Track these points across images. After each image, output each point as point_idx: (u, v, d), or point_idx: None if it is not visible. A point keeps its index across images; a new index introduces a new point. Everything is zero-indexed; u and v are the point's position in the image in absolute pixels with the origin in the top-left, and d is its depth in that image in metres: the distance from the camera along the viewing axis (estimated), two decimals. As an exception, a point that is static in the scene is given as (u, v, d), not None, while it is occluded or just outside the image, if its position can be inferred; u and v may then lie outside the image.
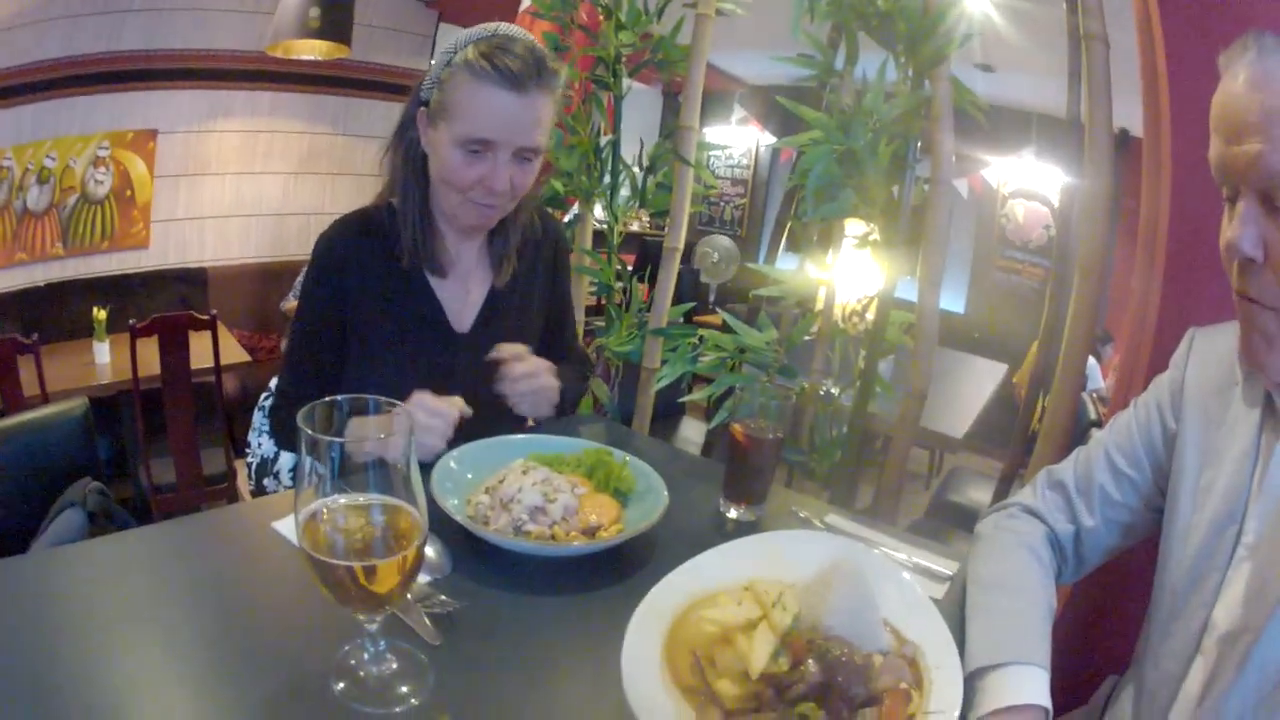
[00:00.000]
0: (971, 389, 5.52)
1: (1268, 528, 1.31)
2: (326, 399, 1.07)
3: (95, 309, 5.24)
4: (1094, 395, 5.15)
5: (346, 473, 1.03)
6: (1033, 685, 1.29)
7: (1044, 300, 3.01)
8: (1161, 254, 2.06)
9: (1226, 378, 1.44)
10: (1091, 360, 5.38)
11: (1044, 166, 8.21)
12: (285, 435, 2.11)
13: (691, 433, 5.31)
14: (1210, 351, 1.51)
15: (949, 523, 4.34)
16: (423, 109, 1.93)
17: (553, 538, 1.50)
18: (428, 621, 1.26)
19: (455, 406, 1.83)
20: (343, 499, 1.05)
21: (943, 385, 5.51)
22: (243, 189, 6.65)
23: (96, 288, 5.76)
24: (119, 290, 5.86)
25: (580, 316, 3.23)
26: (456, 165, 1.88)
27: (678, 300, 3.33)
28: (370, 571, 1.04)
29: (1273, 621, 1.21)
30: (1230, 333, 1.35)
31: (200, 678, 1.11)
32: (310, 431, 1.01)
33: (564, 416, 1.97)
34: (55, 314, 5.56)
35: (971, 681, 1.31)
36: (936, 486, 5.71)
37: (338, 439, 1.02)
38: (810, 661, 1.15)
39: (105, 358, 5.18)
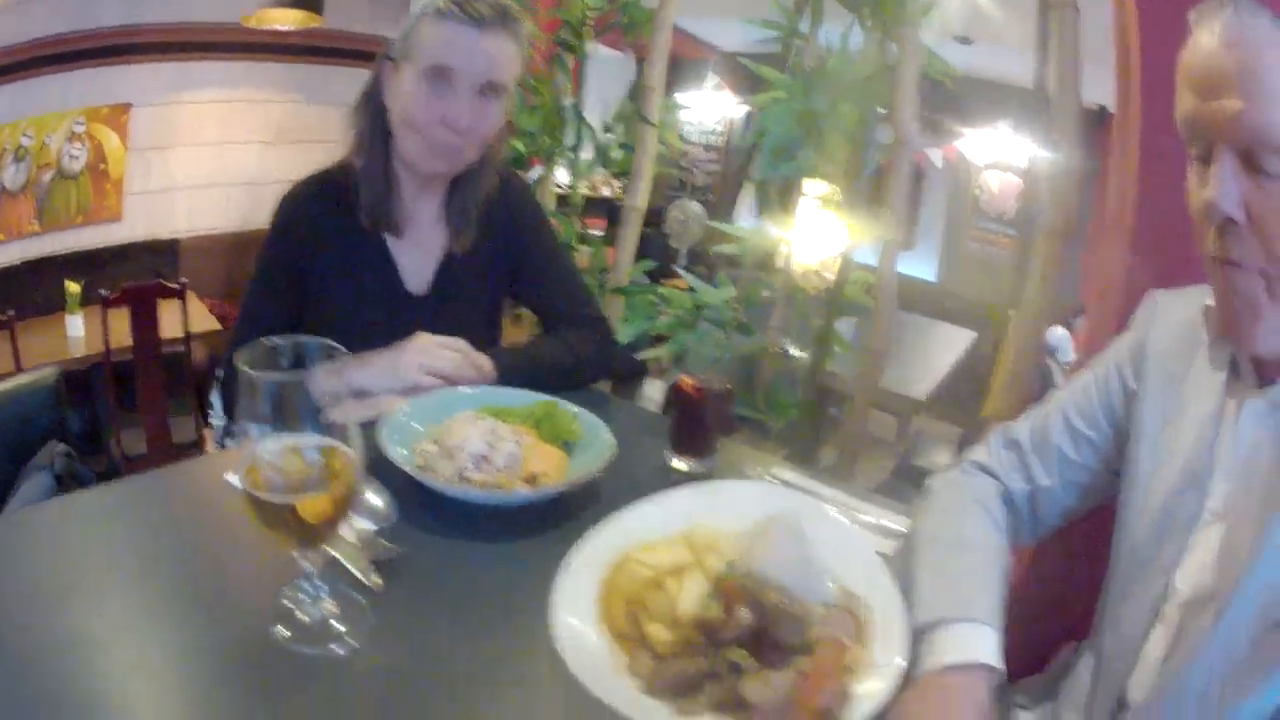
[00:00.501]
0: (938, 354, 5.54)
1: (1235, 492, 1.29)
2: (265, 339, 1.08)
3: (68, 283, 5.26)
4: (1066, 367, 5.14)
5: (283, 414, 1.04)
6: (982, 643, 1.27)
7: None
8: (1129, 222, 2.05)
9: (1190, 340, 1.41)
10: (1064, 332, 5.40)
11: (1020, 139, 8.23)
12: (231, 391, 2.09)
13: (655, 392, 5.21)
14: (1173, 314, 1.48)
15: (913, 486, 4.36)
16: (389, 62, 1.93)
17: (496, 486, 1.50)
18: (370, 567, 1.28)
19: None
20: (280, 440, 1.06)
21: (910, 350, 5.54)
22: (216, 160, 6.62)
23: (71, 262, 5.75)
24: (93, 264, 5.84)
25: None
26: (419, 100, 1.87)
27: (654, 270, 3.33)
28: (305, 506, 1.06)
29: (1241, 589, 1.18)
30: (1194, 296, 1.33)
31: (148, 625, 1.13)
32: (249, 371, 1.02)
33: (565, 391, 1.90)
34: (30, 290, 5.55)
35: (918, 638, 1.29)
36: (903, 451, 5.75)
37: (272, 375, 1.04)
38: (743, 608, 1.15)
39: (79, 331, 5.19)
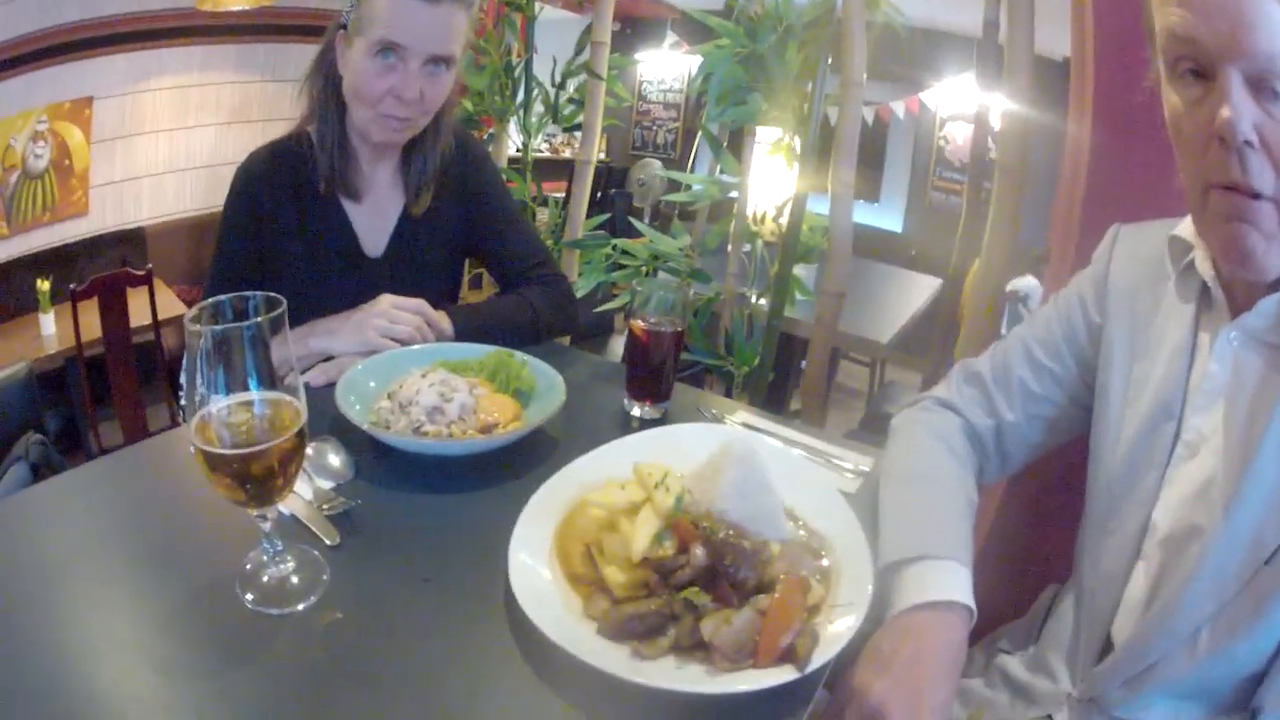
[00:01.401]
0: (903, 301, 5.56)
1: (1209, 426, 1.29)
2: (210, 300, 1.08)
3: (39, 281, 5.21)
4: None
5: (229, 367, 1.05)
6: (953, 581, 1.27)
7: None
8: (1084, 165, 2.06)
9: (1157, 272, 1.41)
10: (1034, 280, 5.41)
11: (980, 89, 8.24)
12: None
13: (619, 348, 5.28)
14: (1137, 247, 1.48)
15: (883, 433, 4.39)
16: (341, 31, 1.92)
17: (450, 436, 1.50)
18: (328, 524, 1.29)
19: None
20: (228, 397, 1.07)
21: (875, 297, 5.56)
22: (176, 145, 6.57)
23: (41, 261, 5.69)
24: (61, 260, 5.79)
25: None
26: (369, 75, 1.87)
27: (613, 224, 3.33)
28: (254, 458, 1.06)
29: (1225, 525, 1.19)
30: (1157, 229, 1.32)
31: (119, 597, 1.13)
32: (193, 325, 1.03)
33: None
34: (2, 294, 5.50)
35: (886, 577, 1.30)
36: (871, 399, 5.77)
37: (215, 327, 1.04)
38: (697, 545, 1.14)
39: (51, 328, 5.15)
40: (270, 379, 1.08)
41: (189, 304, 5.37)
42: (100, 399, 4.69)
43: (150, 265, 4.86)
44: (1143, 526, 1.34)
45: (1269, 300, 1.18)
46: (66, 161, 5.81)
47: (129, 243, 6.30)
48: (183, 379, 2.00)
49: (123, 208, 6.31)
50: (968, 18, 6.74)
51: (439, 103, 1.98)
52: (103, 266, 5.63)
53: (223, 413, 1.07)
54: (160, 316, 4.94)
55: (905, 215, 9.77)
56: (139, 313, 4.75)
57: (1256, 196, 1.10)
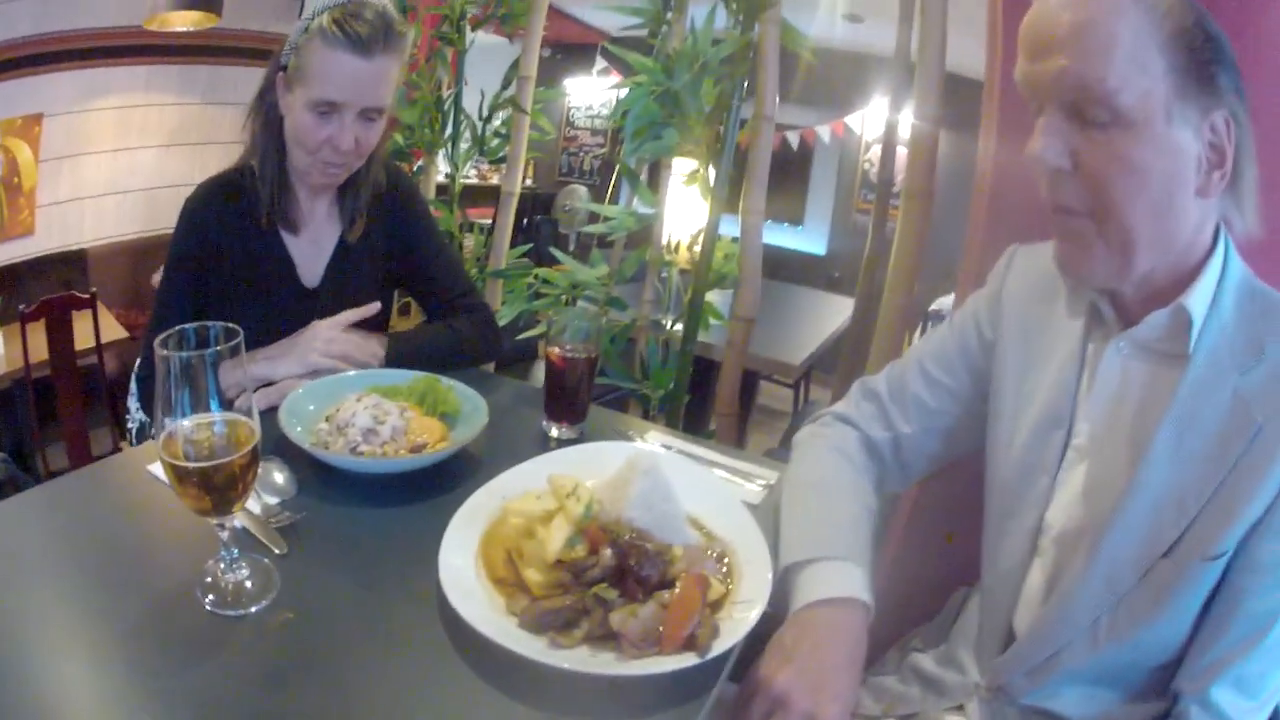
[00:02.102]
0: (819, 322, 5.62)
1: (1098, 430, 1.37)
2: (175, 328, 1.18)
3: (-13, 301, 5.11)
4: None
5: (194, 389, 1.16)
6: (849, 579, 1.36)
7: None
8: (989, 184, 2.15)
9: (1049, 289, 1.49)
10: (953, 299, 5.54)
11: (904, 111, 8.30)
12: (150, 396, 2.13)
13: (543, 373, 5.19)
14: (1032, 265, 1.56)
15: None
16: (281, 73, 1.99)
17: (384, 455, 1.60)
18: (276, 535, 1.39)
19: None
20: (192, 417, 1.17)
21: (796, 320, 5.61)
22: (119, 165, 6.45)
23: (-13, 281, 5.60)
24: (8, 280, 5.67)
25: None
26: (307, 127, 1.95)
27: (537, 252, 3.39)
28: (217, 471, 1.17)
29: (1117, 519, 1.26)
30: (1051, 249, 1.37)
31: (83, 607, 1.21)
32: (164, 351, 1.14)
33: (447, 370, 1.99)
34: None
35: (787, 579, 1.40)
36: (793, 419, 5.83)
37: (182, 353, 1.14)
38: (605, 547, 1.25)
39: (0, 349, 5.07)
40: (230, 403, 1.19)
41: (129, 328, 5.30)
42: (45, 421, 4.64)
43: (94, 289, 4.81)
44: (1037, 526, 1.42)
45: (1159, 314, 1.26)
46: (15, 179, 5.71)
47: (71, 264, 6.18)
48: (130, 403, 2.09)
49: (66, 228, 6.20)
50: (892, 40, 6.87)
51: (373, 147, 2.07)
52: (46, 288, 5.53)
53: (188, 430, 1.17)
54: (102, 340, 4.88)
55: (829, 238, 9.81)
56: (82, 335, 4.70)
57: (1073, 213, 1.24)
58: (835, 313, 5.93)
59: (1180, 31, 1.12)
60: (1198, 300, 1.24)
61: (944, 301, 5.50)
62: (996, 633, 1.50)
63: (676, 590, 1.20)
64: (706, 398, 3.28)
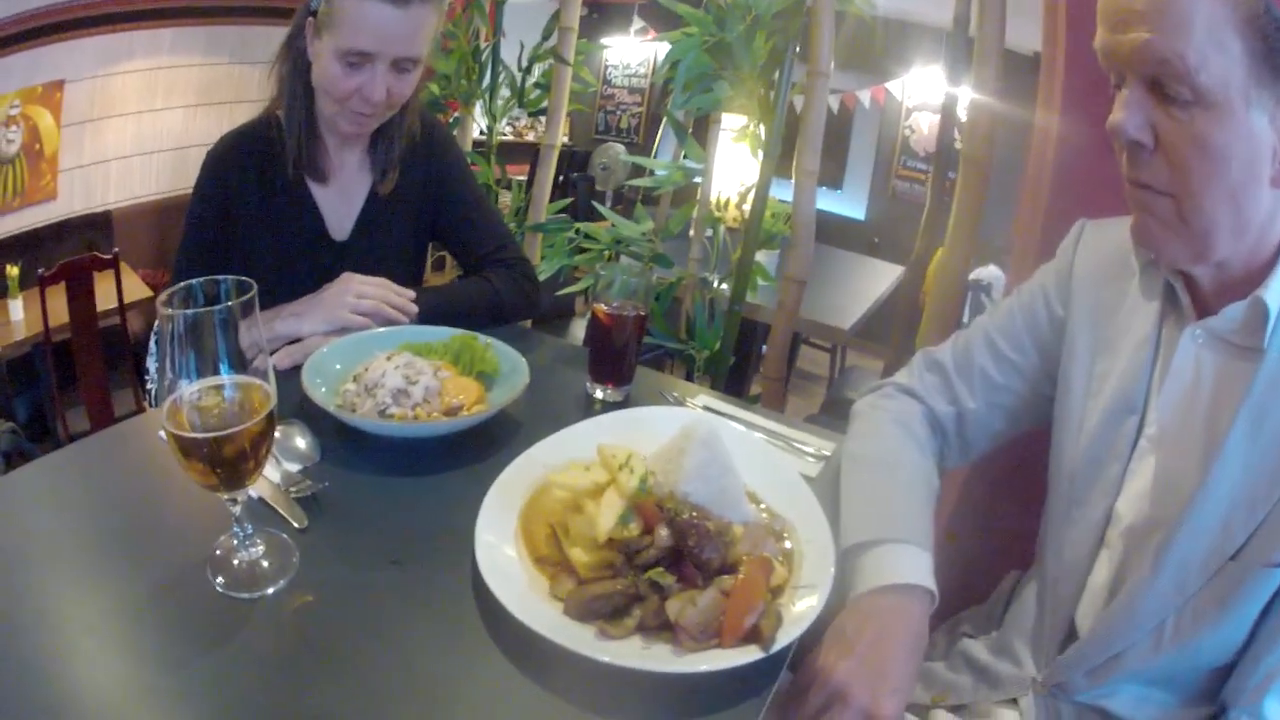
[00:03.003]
0: (865, 289, 5.55)
1: (1173, 420, 1.31)
2: (181, 284, 1.07)
3: (9, 267, 5.17)
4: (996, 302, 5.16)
5: (200, 351, 1.05)
6: (914, 564, 1.29)
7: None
8: (1051, 157, 2.07)
9: (1121, 268, 1.43)
10: (996, 270, 5.43)
11: (948, 80, 8.24)
12: None
13: (580, 331, 5.29)
14: (1102, 242, 1.50)
15: (843, 418, 4.40)
16: (311, 18, 1.90)
17: (415, 419, 1.51)
18: (296, 506, 1.29)
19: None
20: (200, 381, 1.07)
21: (837, 284, 5.55)
22: (144, 127, 6.49)
23: (9, 246, 5.61)
24: (31, 245, 5.72)
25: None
26: (336, 75, 1.86)
27: (575, 208, 3.33)
28: (225, 442, 1.06)
29: (1189, 517, 1.21)
30: (1122, 225, 1.33)
31: (92, 584, 1.13)
32: (166, 309, 1.03)
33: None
34: None
35: (848, 561, 1.32)
36: (831, 384, 5.76)
37: (186, 311, 1.04)
38: (661, 526, 1.16)
39: (19, 314, 5.10)
40: (240, 362, 1.08)
41: (155, 288, 5.35)
42: (67, 385, 4.65)
43: (116, 249, 4.81)
44: (1105, 516, 1.36)
45: (1235, 307, 1.20)
46: (37, 145, 5.74)
47: (96, 227, 6.23)
48: (149, 364, 2.01)
49: (90, 192, 6.24)
50: (936, 9, 6.76)
51: (405, 99, 1.98)
52: (70, 251, 5.55)
53: (194, 396, 1.06)
54: (126, 300, 4.90)
55: (868, 203, 9.77)
56: (105, 297, 4.71)
57: (1153, 190, 1.18)
58: (879, 278, 5.89)
59: (1253, 16, 1.06)
60: (1275, 293, 1.19)
61: (982, 272, 5.39)
62: (1058, 627, 1.43)
63: (740, 576, 1.13)
64: (748, 359, 3.20)
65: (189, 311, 1.03)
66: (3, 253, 5.45)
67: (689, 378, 3.02)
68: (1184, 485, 1.25)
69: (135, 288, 5.34)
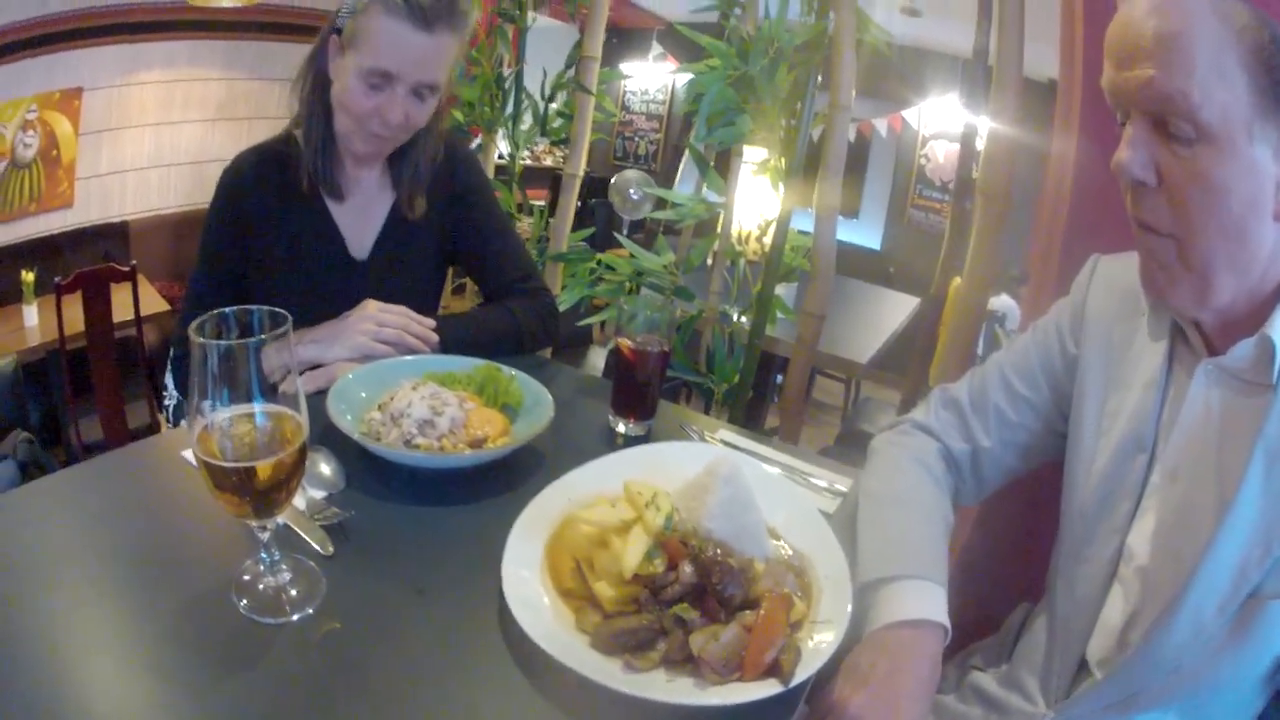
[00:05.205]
0: (881, 320, 5.55)
1: (1184, 457, 1.31)
2: (214, 312, 1.08)
3: (23, 271, 5.19)
4: (1013, 335, 5.15)
5: (233, 381, 1.05)
6: (929, 601, 1.30)
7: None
8: (1067, 188, 2.07)
9: (1132, 306, 1.44)
10: (1010, 300, 5.44)
11: (965, 109, 8.24)
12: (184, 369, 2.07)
13: (599, 359, 5.32)
14: (1115, 279, 1.51)
15: (859, 450, 4.40)
16: (335, 35, 1.92)
17: (441, 449, 1.51)
18: (322, 534, 1.30)
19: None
20: (231, 408, 1.07)
21: (853, 315, 5.55)
22: (162, 139, 6.54)
23: (24, 251, 5.65)
24: (46, 251, 5.76)
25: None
26: (356, 94, 1.88)
27: (595, 235, 3.34)
28: (257, 472, 1.07)
29: (1210, 554, 1.20)
30: (1134, 261, 1.33)
31: (112, 603, 1.13)
32: (199, 339, 1.03)
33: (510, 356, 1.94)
34: None
35: (864, 596, 1.32)
36: (848, 416, 5.76)
37: (221, 342, 1.04)
38: (686, 563, 1.17)
39: (34, 320, 5.14)
40: (273, 391, 1.09)
41: (170, 300, 5.39)
42: (80, 393, 4.66)
43: (134, 261, 4.83)
44: (1117, 552, 1.36)
45: (1244, 345, 1.21)
46: (54, 152, 5.78)
47: (112, 236, 6.28)
48: (167, 380, 2.02)
49: (107, 201, 6.29)
50: (952, 37, 6.81)
51: (421, 125, 1.99)
52: (85, 259, 5.61)
53: (225, 424, 1.07)
54: (142, 312, 4.92)
55: (884, 232, 9.79)
56: (120, 308, 4.73)
57: (1156, 233, 1.20)
58: (895, 309, 5.88)
59: (1258, 48, 1.08)
60: None
61: (996, 303, 5.40)
62: (1068, 663, 1.44)
63: (761, 612, 1.14)
64: (764, 391, 3.20)
65: (223, 343, 1.04)
66: (18, 258, 5.49)
67: (707, 409, 3.03)
68: (1197, 522, 1.25)
69: (152, 299, 5.38)
